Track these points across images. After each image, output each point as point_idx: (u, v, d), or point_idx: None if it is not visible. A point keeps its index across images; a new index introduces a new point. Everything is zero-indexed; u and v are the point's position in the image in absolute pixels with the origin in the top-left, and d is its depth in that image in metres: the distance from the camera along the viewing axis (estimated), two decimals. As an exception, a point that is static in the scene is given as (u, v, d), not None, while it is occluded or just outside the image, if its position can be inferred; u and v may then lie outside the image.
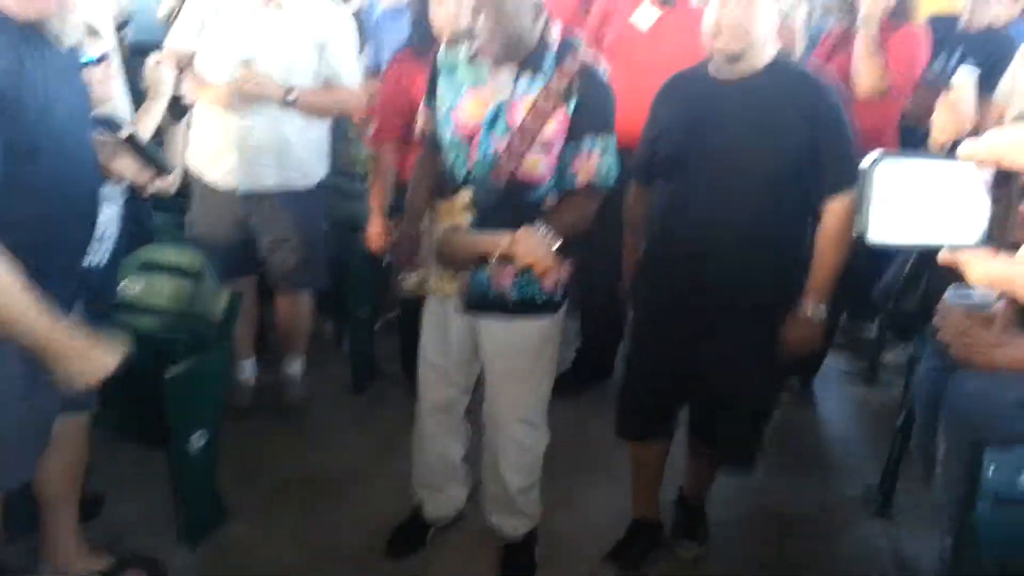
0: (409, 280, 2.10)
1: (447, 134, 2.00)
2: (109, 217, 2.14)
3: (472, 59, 1.97)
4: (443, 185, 2.06)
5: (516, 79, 1.92)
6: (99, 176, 1.77)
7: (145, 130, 2.06)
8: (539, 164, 1.93)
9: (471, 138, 1.95)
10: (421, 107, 2.12)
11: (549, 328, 2.12)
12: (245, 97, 2.53)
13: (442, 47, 2.06)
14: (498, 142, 1.93)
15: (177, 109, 2.13)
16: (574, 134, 1.92)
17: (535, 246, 1.77)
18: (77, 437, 2.00)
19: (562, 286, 2.10)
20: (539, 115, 1.90)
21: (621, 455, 2.44)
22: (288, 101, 2.56)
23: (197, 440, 2.26)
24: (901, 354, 3.28)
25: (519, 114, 1.91)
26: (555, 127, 1.91)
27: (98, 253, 2.14)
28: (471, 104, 1.95)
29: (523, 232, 1.77)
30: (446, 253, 1.94)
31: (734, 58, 1.95)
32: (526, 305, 2.06)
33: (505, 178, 1.93)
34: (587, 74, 1.92)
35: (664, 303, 2.17)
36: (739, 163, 1.98)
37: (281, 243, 2.74)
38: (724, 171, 1.99)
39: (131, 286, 2.40)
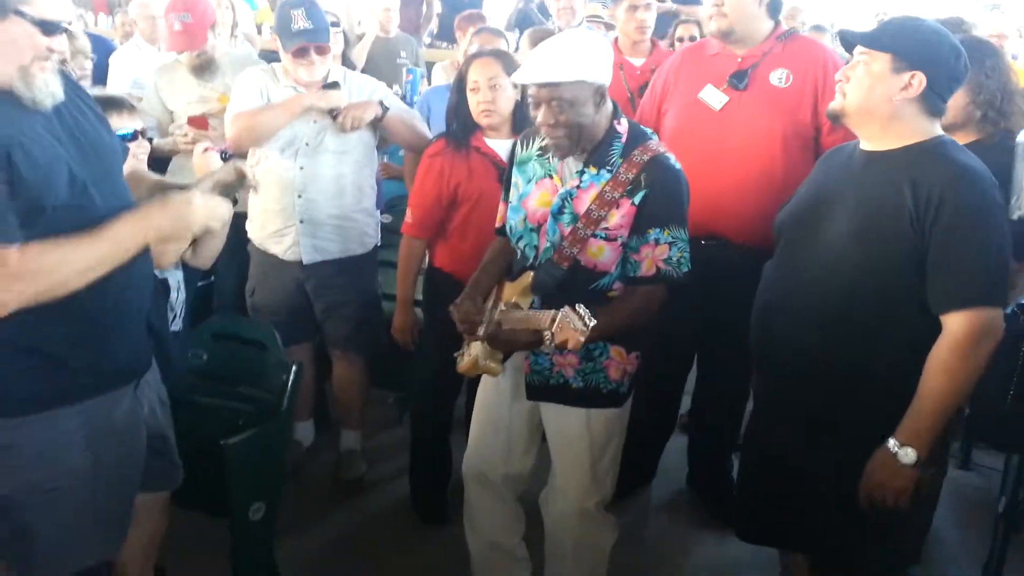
0: (463, 360, 2.06)
1: (518, 221, 2.01)
2: (174, 284, 2.19)
3: (541, 152, 1.99)
4: (513, 270, 2.07)
5: (582, 171, 1.92)
6: None
7: None
8: (603, 252, 1.91)
9: (540, 226, 1.97)
10: (500, 203, 2.14)
11: (614, 420, 2.05)
12: (346, 110, 2.65)
13: (517, 141, 2.10)
14: (564, 230, 1.93)
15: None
16: (640, 226, 1.89)
17: (571, 321, 1.67)
18: (157, 513, 2.04)
19: (629, 377, 2.03)
20: (604, 203, 1.88)
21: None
22: (384, 108, 2.74)
23: (255, 512, 2.26)
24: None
25: (584, 204, 1.90)
26: (620, 218, 1.88)
27: (174, 321, 2.20)
28: (540, 193, 1.98)
29: (564, 310, 1.70)
30: (496, 332, 1.89)
31: (834, 119, 1.80)
32: (590, 394, 2.00)
33: (567, 262, 1.91)
34: (657, 166, 1.89)
35: (757, 392, 2.03)
36: (829, 254, 1.74)
37: (337, 308, 2.82)
38: (814, 259, 1.77)
39: (199, 355, 2.46)
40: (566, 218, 1.93)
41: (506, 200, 2.09)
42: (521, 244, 2.03)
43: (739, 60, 2.48)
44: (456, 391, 2.76)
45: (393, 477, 3.02)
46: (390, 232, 3.13)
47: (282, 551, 2.45)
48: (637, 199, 1.88)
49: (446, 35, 5.54)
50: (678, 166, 1.92)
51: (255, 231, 2.83)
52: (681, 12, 5.44)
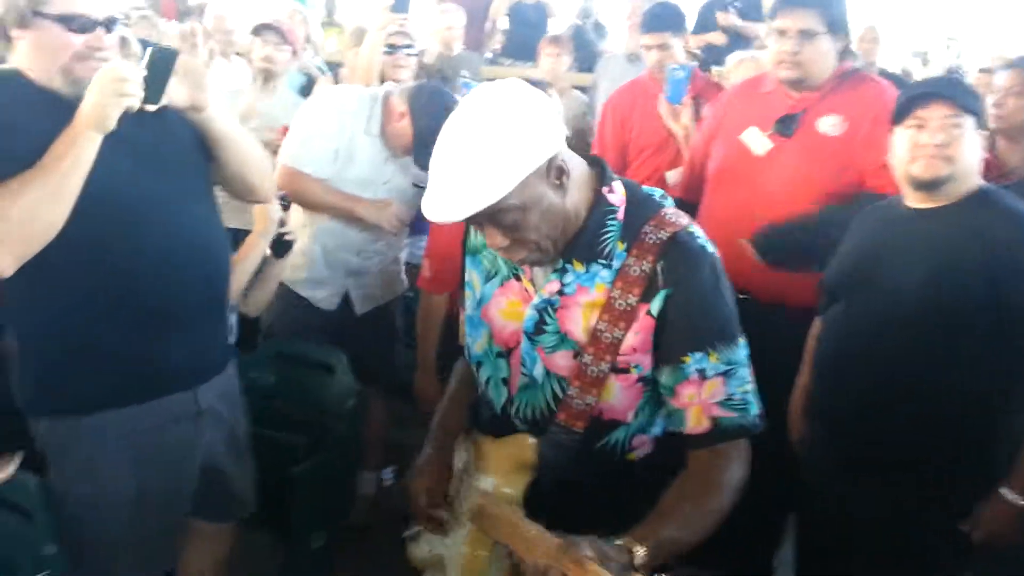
0: (419, 547, 1.47)
1: (480, 340, 1.39)
2: (230, 328, 2.15)
3: None
4: (482, 410, 1.45)
5: (563, 268, 1.28)
6: (191, 231, 1.67)
7: (249, 266, 1.99)
8: (612, 391, 1.27)
9: (511, 350, 1.35)
10: (459, 309, 1.53)
11: None
12: None
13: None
14: (552, 361, 1.30)
15: (280, 246, 2.02)
16: (668, 351, 1.25)
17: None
18: (221, 540, 2.03)
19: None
20: (618, 316, 1.24)
21: None
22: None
23: (317, 539, 2.25)
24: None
25: (575, 319, 1.27)
26: (632, 336, 1.25)
27: None
28: (506, 301, 1.36)
29: (591, 549, 1.09)
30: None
31: (929, 186, 1.73)
32: None
33: (583, 421, 1.28)
34: (681, 251, 1.25)
35: (826, 461, 1.91)
36: (905, 304, 1.73)
37: (366, 352, 2.60)
38: (888, 309, 1.76)
39: (265, 376, 2.45)
40: (548, 340, 1.29)
41: (463, 305, 1.48)
42: (483, 376, 1.40)
43: (791, 103, 2.24)
44: None
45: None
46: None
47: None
48: (655, 305, 1.24)
49: (511, 52, 5.53)
50: (710, 246, 1.29)
51: (287, 270, 2.54)
52: (742, 32, 5.36)
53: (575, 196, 1.25)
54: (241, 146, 1.75)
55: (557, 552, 1.11)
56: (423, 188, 1.29)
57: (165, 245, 1.62)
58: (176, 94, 1.57)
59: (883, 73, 4.39)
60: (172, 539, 1.82)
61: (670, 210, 1.31)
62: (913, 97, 1.75)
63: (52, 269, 1.52)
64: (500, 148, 1.15)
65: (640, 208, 1.29)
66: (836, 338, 1.90)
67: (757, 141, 2.25)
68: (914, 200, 1.79)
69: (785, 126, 2.21)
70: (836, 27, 2.19)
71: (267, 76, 3.16)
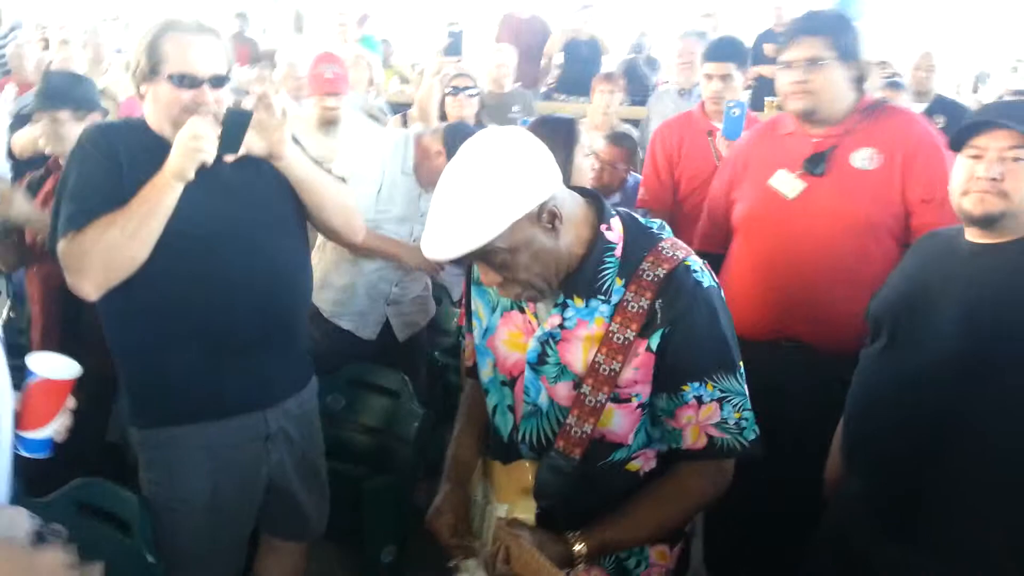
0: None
1: (486, 368, 1.49)
2: None
3: None
4: (492, 436, 1.54)
5: (563, 302, 1.37)
6: (269, 269, 1.79)
7: None
8: (613, 418, 1.36)
9: (514, 379, 1.44)
10: (465, 334, 1.60)
11: None
12: None
13: None
14: (555, 391, 1.39)
15: None
16: (668, 380, 1.34)
17: None
18: (292, 557, 2.13)
19: (671, 573, 1.51)
20: (616, 350, 1.32)
21: None
22: None
23: (387, 555, 2.37)
24: None
25: (575, 352, 1.36)
26: (632, 371, 1.34)
27: None
28: (508, 332, 1.45)
29: (532, 536, 1.32)
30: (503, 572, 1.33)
31: (981, 223, 1.58)
32: None
33: (580, 448, 1.35)
34: (678, 287, 1.32)
35: (849, 499, 1.75)
36: (946, 347, 1.56)
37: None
38: (928, 351, 1.59)
39: (338, 400, 2.61)
40: (550, 371, 1.38)
41: (470, 331, 1.55)
42: (491, 404, 1.50)
43: (815, 141, 2.15)
44: None
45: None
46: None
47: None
48: (653, 341, 1.32)
49: (566, 88, 5.68)
50: (708, 280, 1.36)
51: (325, 303, 2.64)
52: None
53: (570, 236, 1.33)
54: (320, 190, 1.88)
55: (504, 532, 1.31)
56: None
57: (240, 278, 1.76)
58: (255, 145, 1.74)
59: (940, 99, 4.39)
60: (243, 551, 1.95)
61: (667, 243, 1.37)
62: (972, 124, 1.61)
63: (135, 297, 1.70)
64: (489, 194, 1.23)
65: (638, 243, 1.36)
66: (872, 375, 1.75)
67: (787, 184, 2.17)
68: (971, 235, 1.64)
69: (815, 164, 2.13)
70: (846, 54, 2.10)
71: (330, 123, 3.34)
